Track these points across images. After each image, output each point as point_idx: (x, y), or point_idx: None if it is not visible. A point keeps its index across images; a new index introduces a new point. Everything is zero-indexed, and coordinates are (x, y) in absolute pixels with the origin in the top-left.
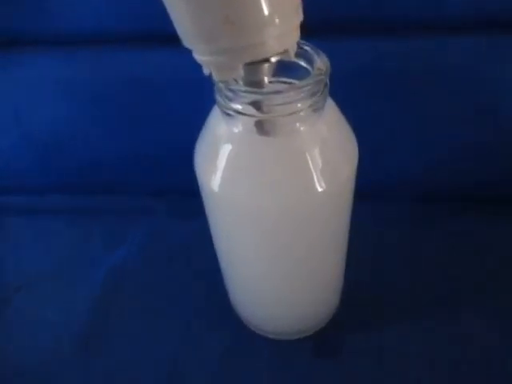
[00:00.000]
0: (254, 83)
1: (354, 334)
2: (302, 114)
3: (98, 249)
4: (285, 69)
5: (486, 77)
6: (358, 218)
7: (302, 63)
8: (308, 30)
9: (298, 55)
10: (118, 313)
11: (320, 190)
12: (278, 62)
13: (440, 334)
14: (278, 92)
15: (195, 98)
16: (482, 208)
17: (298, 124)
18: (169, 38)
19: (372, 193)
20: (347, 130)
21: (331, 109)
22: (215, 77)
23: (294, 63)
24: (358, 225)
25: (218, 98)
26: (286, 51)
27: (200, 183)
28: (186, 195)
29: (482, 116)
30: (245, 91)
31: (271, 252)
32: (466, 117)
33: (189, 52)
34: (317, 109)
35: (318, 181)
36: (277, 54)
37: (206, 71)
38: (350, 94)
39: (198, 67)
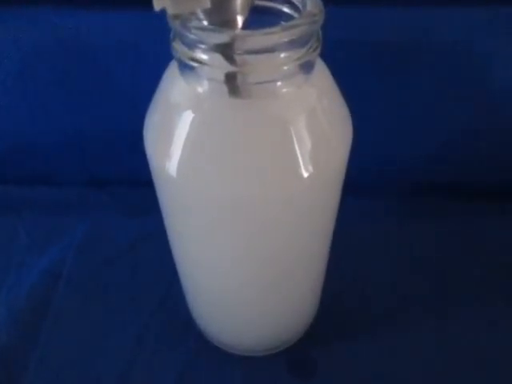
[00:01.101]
0: (224, 24)
1: (331, 347)
2: (285, 68)
3: (27, 250)
4: (263, 19)
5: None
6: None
7: (287, 10)
8: None
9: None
10: (51, 326)
11: (306, 174)
12: (255, 10)
13: (426, 344)
14: (255, 33)
15: (144, 66)
16: (472, 202)
17: (280, 83)
18: None
19: (357, 184)
20: (341, 102)
21: (322, 73)
22: (170, 10)
23: (277, 10)
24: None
25: (175, 45)
26: None
27: (152, 166)
28: (134, 186)
29: (478, 93)
30: (210, 30)
31: (242, 252)
32: (461, 96)
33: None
34: (305, 65)
35: (305, 163)
36: None
37: (156, 5)
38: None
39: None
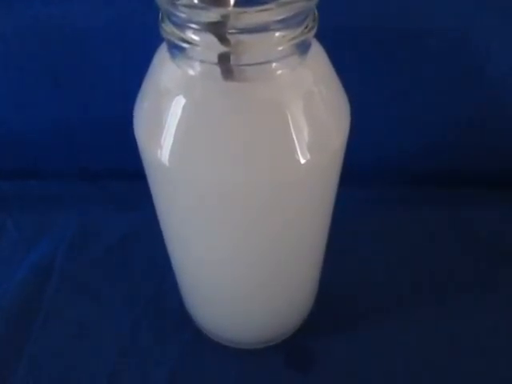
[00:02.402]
0: (215, 1)
1: (327, 338)
2: (280, 48)
3: (16, 245)
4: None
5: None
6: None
7: None
8: None
9: None
10: (43, 321)
11: (303, 160)
12: None
13: (424, 333)
14: (248, 10)
15: (133, 52)
16: (471, 191)
17: (274, 64)
18: None
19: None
20: (338, 85)
21: (318, 54)
22: None
23: None
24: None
25: (164, 26)
26: None
27: (143, 156)
28: (124, 178)
29: (478, 80)
30: (200, 8)
31: (238, 241)
32: (456, 82)
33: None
34: (301, 46)
35: (301, 148)
36: None
37: None
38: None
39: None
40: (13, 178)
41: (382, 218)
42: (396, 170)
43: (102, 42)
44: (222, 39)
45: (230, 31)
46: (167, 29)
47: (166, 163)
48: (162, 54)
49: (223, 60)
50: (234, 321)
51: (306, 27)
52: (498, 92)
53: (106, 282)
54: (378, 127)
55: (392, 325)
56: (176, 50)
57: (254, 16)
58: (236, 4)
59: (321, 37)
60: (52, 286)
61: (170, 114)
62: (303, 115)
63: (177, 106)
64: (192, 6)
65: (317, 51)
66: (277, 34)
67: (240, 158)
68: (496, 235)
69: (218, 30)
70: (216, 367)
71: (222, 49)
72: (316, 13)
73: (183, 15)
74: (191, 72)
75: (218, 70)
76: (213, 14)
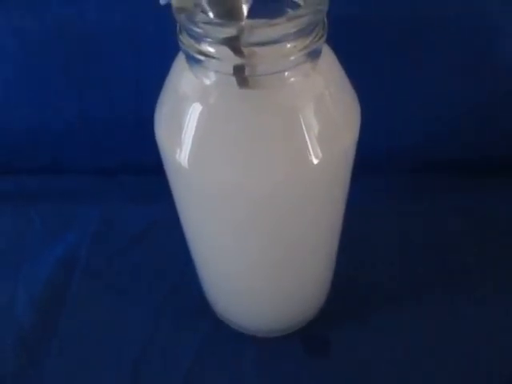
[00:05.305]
0: (229, 12)
1: (343, 326)
2: (292, 58)
3: (42, 239)
4: (267, 6)
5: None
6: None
7: None
8: None
9: None
10: (69, 312)
11: (316, 161)
12: None
13: (434, 323)
14: (261, 24)
15: (147, 53)
16: (477, 178)
17: (287, 73)
18: None
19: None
20: (348, 86)
21: (329, 57)
22: (175, 2)
23: None
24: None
25: (182, 38)
26: None
27: (164, 157)
28: (142, 173)
29: (483, 69)
30: (217, 24)
31: (256, 238)
32: (465, 70)
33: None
34: (312, 54)
35: (314, 149)
36: None
37: None
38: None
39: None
40: (37, 174)
41: (394, 208)
42: (409, 158)
43: (116, 42)
44: (237, 51)
45: (245, 44)
46: (185, 41)
47: (185, 165)
48: (180, 62)
49: (238, 71)
50: (252, 310)
51: (317, 35)
52: (505, 80)
53: (130, 273)
54: (388, 119)
55: (405, 314)
56: (193, 60)
57: (266, 31)
58: (249, 15)
59: (330, 38)
60: (77, 277)
61: (188, 119)
62: (315, 118)
63: (194, 112)
64: (209, 23)
65: (327, 55)
66: (289, 44)
67: (254, 160)
68: (510, 223)
69: (233, 43)
70: (235, 354)
71: (237, 60)
72: (325, 21)
73: (200, 30)
74: (207, 81)
75: (233, 78)
76: (228, 30)
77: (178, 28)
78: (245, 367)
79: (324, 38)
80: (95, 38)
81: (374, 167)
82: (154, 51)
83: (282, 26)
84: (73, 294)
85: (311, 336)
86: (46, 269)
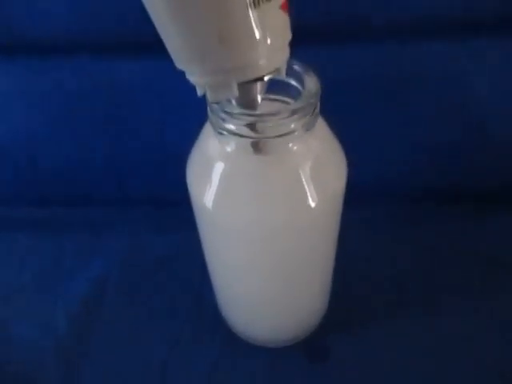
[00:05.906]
0: (248, 102)
1: (342, 334)
2: (295, 134)
3: (74, 265)
4: (273, 86)
5: (463, 79)
6: (343, 223)
7: (292, 82)
8: None
9: (286, 73)
10: (101, 327)
11: (313, 205)
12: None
13: (430, 335)
14: (272, 114)
15: (169, 103)
16: (466, 208)
17: (291, 144)
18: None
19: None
20: (336, 144)
21: (320, 125)
22: (210, 98)
23: (283, 81)
24: (343, 229)
25: (212, 118)
26: (277, 69)
27: (193, 200)
28: (163, 205)
29: (462, 115)
30: (240, 113)
31: (265, 267)
32: (445, 117)
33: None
34: (309, 128)
35: (311, 196)
36: (269, 73)
37: (199, 92)
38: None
39: (176, 76)
40: (68, 205)
41: (382, 234)
42: (397, 189)
43: (143, 93)
44: (254, 130)
45: (260, 125)
46: (213, 119)
47: (210, 207)
48: (208, 130)
49: (254, 144)
50: (262, 324)
51: (312, 114)
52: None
53: (155, 293)
54: (376, 158)
55: (401, 325)
56: (219, 133)
57: (275, 119)
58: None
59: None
60: (109, 294)
61: (214, 176)
62: (312, 172)
63: (218, 169)
64: (233, 113)
65: (319, 123)
66: (292, 125)
67: (266, 205)
68: (495, 249)
69: (250, 126)
70: (247, 362)
71: (253, 136)
72: (318, 102)
73: (226, 116)
74: (229, 148)
75: (249, 147)
76: (249, 119)
77: (209, 111)
78: (255, 373)
79: (318, 115)
80: (125, 93)
81: (363, 200)
82: (177, 102)
83: (286, 115)
84: (105, 310)
85: (314, 344)
86: (81, 288)
